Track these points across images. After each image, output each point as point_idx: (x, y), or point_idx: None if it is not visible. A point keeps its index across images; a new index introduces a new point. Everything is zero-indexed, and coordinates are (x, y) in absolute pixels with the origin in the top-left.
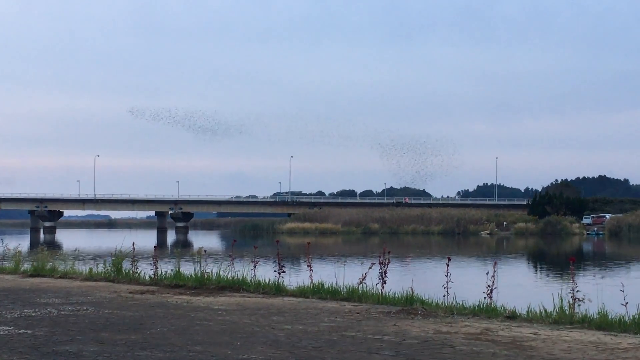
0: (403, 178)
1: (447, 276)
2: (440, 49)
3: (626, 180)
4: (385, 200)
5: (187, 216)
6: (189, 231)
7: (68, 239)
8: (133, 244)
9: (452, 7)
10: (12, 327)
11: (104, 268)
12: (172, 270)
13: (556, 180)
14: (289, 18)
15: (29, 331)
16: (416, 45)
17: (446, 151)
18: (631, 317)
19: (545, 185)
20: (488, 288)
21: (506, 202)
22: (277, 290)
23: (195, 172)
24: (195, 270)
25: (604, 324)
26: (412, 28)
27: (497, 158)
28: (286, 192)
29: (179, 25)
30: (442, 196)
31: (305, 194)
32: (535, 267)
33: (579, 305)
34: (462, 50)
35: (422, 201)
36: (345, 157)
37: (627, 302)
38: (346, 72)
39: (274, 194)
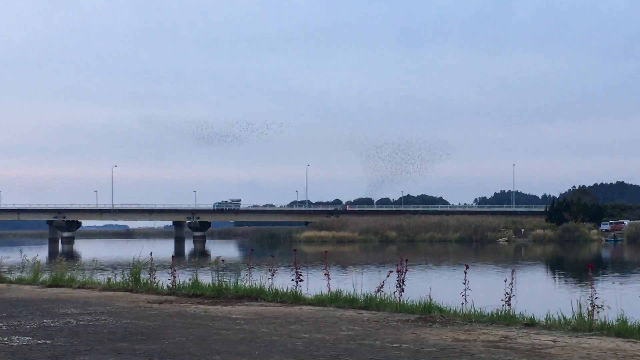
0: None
1: (464, 284)
2: (454, 56)
3: None
4: (402, 208)
5: (205, 225)
6: (207, 240)
7: (86, 249)
8: (151, 253)
9: (465, 14)
10: (31, 338)
11: (122, 278)
12: (190, 279)
13: (574, 186)
14: (302, 25)
15: (48, 341)
16: (429, 52)
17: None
18: None
19: (562, 192)
20: (506, 295)
21: (524, 209)
22: (295, 299)
23: (211, 181)
24: (213, 280)
25: (623, 330)
26: (425, 35)
27: (514, 165)
28: (303, 201)
29: (192, 35)
30: (459, 203)
31: (322, 203)
32: (554, 274)
33: (598, 312)
34: (475, 57)
35: (439, 208)
36: (362, 165)
37: None
38: (360, 80)
39: (291, 203)
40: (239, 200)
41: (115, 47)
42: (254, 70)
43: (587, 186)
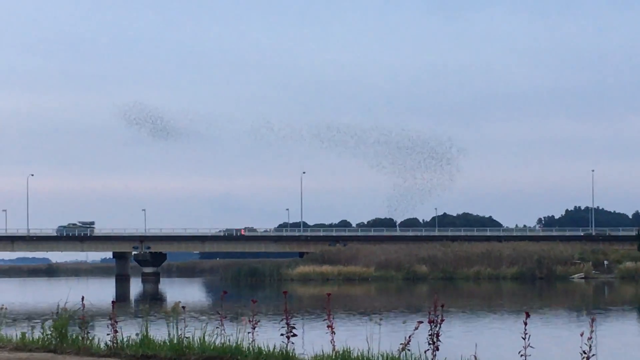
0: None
1: (524, 339)
2: (506, 23)
3: None
4: (436, 233)
5: (158, 258)
6: (161, 279)
7: None
8: (83, 298)
9: None
10: None
11: (43, 333)
12: (137, 334)
13: None
14: None
15: None
16: (472, 18)
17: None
18: None
19: None
20: (583, 355)
21: (607, 233)
22: None
23: (167, 196)
24: (170, 335)
25: None
26: None
27: (593, 171)
28: (296, 223)
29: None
30: (516, 225)
31: (323, 226)
32: None
33: None
34: (534, 22)
35: (488, 233)
36: (378, 174)
37: None
38: (376, 56)
39: (280, 226)
40: (93, 223)
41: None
42: (227, 41)
43: None
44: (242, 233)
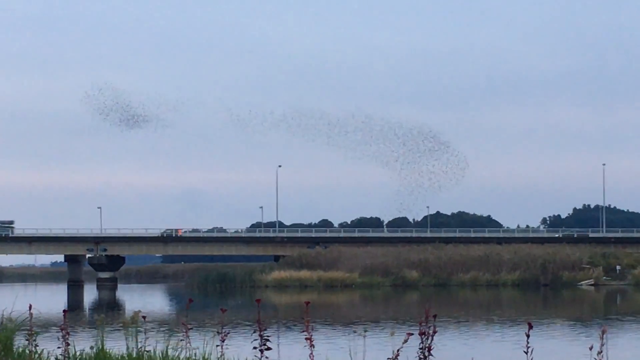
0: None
1: (527, 352)
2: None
3: None
4: (428, 234)
5: (115, 262)
6: (119, 285)
7: None
8: (30, 306)
9: None
10: None
11: None
12: (92, 348)
13: None
14: None
15: None
16: None
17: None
18: None
19: None
20: None
21: (620, 235)
22: None
23: (127, 193)
24: (129, 348)
25: None
26: None
27: (604, 165)
28: (271, 223)
29: None
30: (518, 226)
31: (301, 226)
32: None
33: None
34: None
35: (487, 234)
36: (364, 168)
37: None
38: (364, 33)
39: (252, 226)
40: (12, 222)
41: None
42: (198, 24)
43: None
44: (180, 234)
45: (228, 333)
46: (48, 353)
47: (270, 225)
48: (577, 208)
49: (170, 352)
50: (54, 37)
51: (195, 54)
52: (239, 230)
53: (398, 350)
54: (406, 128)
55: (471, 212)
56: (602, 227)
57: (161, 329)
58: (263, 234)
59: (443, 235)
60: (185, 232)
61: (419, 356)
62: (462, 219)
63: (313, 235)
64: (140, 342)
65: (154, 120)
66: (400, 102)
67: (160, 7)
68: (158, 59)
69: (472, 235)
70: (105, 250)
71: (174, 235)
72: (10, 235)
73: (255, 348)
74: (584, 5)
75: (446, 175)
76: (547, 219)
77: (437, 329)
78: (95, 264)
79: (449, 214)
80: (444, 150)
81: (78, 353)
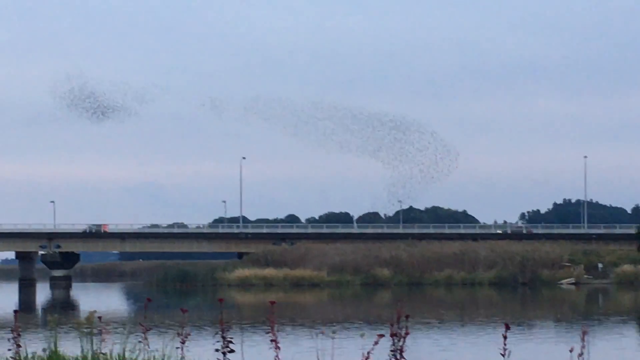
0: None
1: (504, 355)
2: None
3: None
4: (400, 230)
5: (70, 259)
6: (73, 284)
7: None
8: None
9: None
10: None
11: None
12: (45, 350)
13: None
14: None
15: None
16: None
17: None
18: None
19: None
20: None
21: (602, 231)
22: None
23: (82, 186)
24: (83, 350)
25: None
26: None
27: (586, 157)
28: (234, 218)
29: None
30: (495, 222)
31: (267, 221)
32: None
33: None
34: None
35: (462, 230)
36: (334, 160)
37: None
38: (336, 19)
39: (215, 221)
40: None
41: None
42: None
43: None
44: (105, 230)
45: (189, 334)
46: None
47: (234, 220)
48: (558, 203)
49: (127, 354)
50: (21, 25)
51: (159, 42)
52: (201, 226)
53: (368, 353)
54: (382, 117)
55: (445, 207)
56: (584, 223)
57: (118, 330)
58: (226, 230)
59: (416, 231)
60: (144, 227)
61: (390, 358)
62: (436, 215)
63: (279, 231)
64: (96, 344)
65: (121, 111)
66: (374, 93)
67: None
68: (126, 48)
69: (447, 231)
70: (58, 246)
71: (102, 231)
72: None
73: (217, 350)
74: None
75: (437, 167)
76: (526, 214)
77: (409, 330)
78: (48, 261)
79: (423, 209)
80: (431, 140)
81: (30, 355)
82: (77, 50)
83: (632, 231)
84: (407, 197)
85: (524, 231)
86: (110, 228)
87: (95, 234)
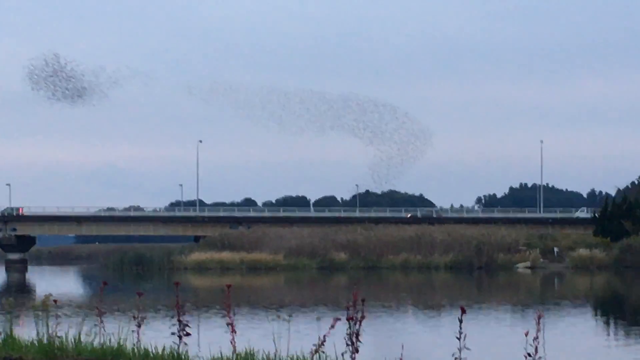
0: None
1: (459, 338)
2: None
3: None
4: (357, 214)
5: (25, 242)
6: (29, 267)
7: None
8: None
9: None
10: None
11: None
12: (0, 333)
13: None
14: None
15: None
16: None
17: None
18: None
19: (622, 187)
20: (528, 357)
21: (558, 215)
22: None
23: (36, 167)
24: (39, 334)
25: None
26: None
27: (542, 142)
28: (191, 202)
29: None
30: (451, 206)
31: (223, 205)
32: (607, 322)
33: None
34: None
35: (418, 214)
36: (290, 142)
37: None
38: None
39: (172, 205)
40: None
41: None
42: None
43: None
44: (21, 212)
45: (145, 318)
46: None
47: (191, 204)
48: (514, 187)
49: (83, 338)
50: None
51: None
52: (157, 210)
53: (324, 336)
54: (351, 98)
55: (402, 191)
56: (540, 207)
57: (74, 313)
58: (182, 213)
59: (373, 215)
60: (100, 210)
61: (346, 342)
62: (393, 198)
63: (235, 214)
64: (52, 327)
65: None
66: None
67: None
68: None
69: (404, 216)
70: (14, 230)
71: (14, 214)
72: None
73: (173, 334)
74: None
75: (414, 146)
76: (482, 198)
77: (365, 314)
78: (3, 244)
79: (379, 192)
80: (405, 120)
81: None
82: (52, 34)
83: (588, 215)
84: (393, 177)
85: (434, 215)
86: (67, 211)
87: (15, 218)
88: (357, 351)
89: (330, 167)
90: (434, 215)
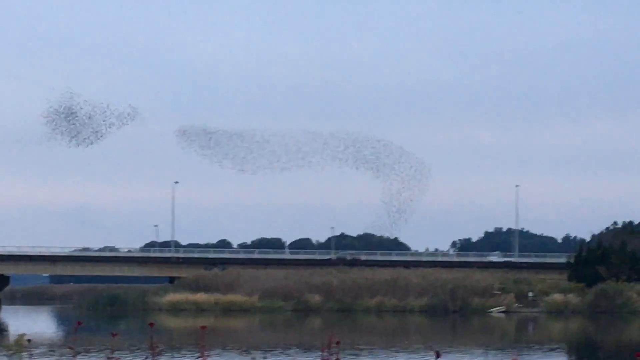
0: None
1: None
2: (418, 6)
3: None
4: (332, 256)
5: (1, 281)
6: (2, 307)
7: None
8: None
9: None
10: None
11: None
12: None
13: (615, 223)
14: None
15: None
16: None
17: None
18: None
19: (596, 233)
20: None
21: (533, 260)
22: None
23: (11, 206)
24: None
25: None
26: None
27: (517, 187)
28: (166, 243)
29: None
30: (426, 249)
31: (198, 246)
32: None
33: None
34: (455, 10)
35: (394, 257)
36: (266, 184)
37: None
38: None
39: (147, 245)
40: None
41: None
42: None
43: (636, 223)
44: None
45: (119, 359)
46: None
47: (166, 245)
48: (489, 231)
49: None
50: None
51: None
52: (132, 250)
53: None
54: (345, 135)
55: (377, 234)
56: (515, 251)
57: (48, 353)
58: (158, 254)
59: (348, 258)
60: (75, 250)
61: None
62: (368, 241)
63: (210, 255)
64: None
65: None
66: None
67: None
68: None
69: (379, 258)
70: None
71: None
72: None
73: None
74: (500, 22)
75: (415, 180)
76: (457, 242)
77: (339, 357)
78: None
79: (355, 235)
80: (402, 153)
81: None
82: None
83: (563, 260)
84: (404, 212)
85: (348, 257)
86: (42, 251)
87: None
88: None
89: (305, 209)
90: (348, 258)
